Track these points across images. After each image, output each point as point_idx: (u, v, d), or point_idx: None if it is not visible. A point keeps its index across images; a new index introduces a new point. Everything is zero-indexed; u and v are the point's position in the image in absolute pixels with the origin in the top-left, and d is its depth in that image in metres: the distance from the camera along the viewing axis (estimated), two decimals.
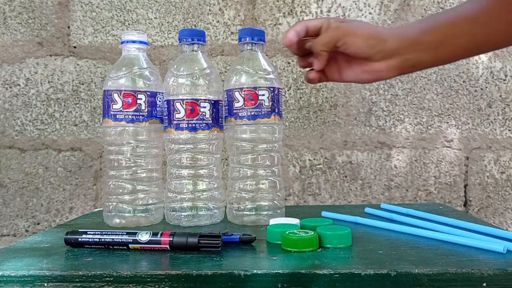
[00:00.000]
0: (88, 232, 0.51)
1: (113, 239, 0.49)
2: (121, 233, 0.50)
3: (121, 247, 0.50)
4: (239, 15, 1.05)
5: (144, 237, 0.49)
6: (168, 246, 0.48)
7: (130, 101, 0.63)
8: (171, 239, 0.48)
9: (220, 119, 0.64)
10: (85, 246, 0.51)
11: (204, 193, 0.63)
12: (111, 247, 0.50)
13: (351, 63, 0.60)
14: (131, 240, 0.49)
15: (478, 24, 0.55)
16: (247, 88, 0.62)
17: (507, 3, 0.54)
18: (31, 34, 1.05)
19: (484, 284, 0.40)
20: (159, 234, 0.49)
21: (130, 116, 0.63)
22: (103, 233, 0.50)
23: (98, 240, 0.50)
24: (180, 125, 0.62)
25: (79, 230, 0.51)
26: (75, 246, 0.51)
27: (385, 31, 0.59)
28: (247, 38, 0.65)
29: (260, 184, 0.63)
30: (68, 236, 0.51)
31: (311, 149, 1.03)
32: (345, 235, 0.50)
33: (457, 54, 0.58)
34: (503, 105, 1.04)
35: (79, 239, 0.50)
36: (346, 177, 1.04)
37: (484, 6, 0.56)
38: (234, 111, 0.63)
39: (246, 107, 0.62)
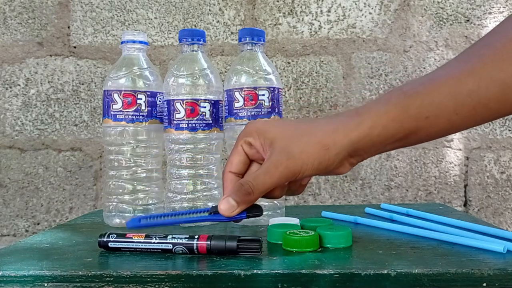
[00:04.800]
0: (122, 239, 0.48)
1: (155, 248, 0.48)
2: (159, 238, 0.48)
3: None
4: (239, 15, 1.05)
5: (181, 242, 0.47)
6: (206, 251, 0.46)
7: (130, 101, 0.63)
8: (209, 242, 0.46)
9: (220, 119, 0.64)
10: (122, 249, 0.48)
11: (204, 193, 0.63)
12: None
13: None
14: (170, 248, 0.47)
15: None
16: (247, 88, 0.62)
17: None
18: (31, 34, 1.05)
19: (484, 284, 0.40)
20: (195, 239, 0.47)
21: (130, 116, 0.63)
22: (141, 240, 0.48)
23: (133, 248, 0.48)
24: (180, 125, 0.62)
25: (111, 233, 0.49)
26: (109, 250, 0.49)
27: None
28: (247, 38, 0.65)
29: None
30: (102, 239, 0.49)
31: None
32: (345, 235, 0.50)
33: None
34: None
35: (110, 245, 0.48)
36: (346, 177, 1.04)
37: None
38: (234, 111, 0.63)
39: (246, 107, 0.62)
